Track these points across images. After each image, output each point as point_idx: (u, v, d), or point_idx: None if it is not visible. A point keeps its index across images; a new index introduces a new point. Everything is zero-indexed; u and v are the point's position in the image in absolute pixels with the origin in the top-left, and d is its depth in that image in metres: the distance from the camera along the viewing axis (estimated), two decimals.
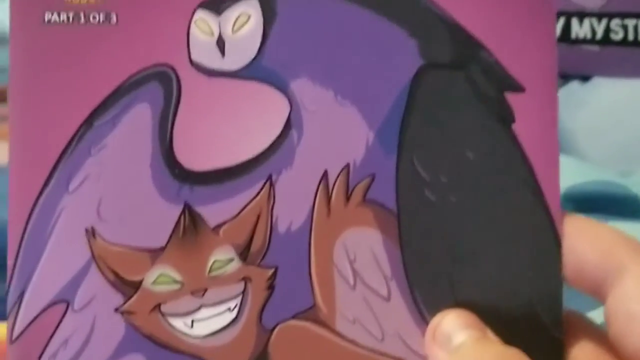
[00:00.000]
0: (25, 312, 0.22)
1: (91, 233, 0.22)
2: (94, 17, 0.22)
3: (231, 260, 0.22)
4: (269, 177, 0.22)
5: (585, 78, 0.56)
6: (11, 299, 0.22)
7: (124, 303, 0.22)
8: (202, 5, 0.22)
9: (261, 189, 0.22)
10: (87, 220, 0.22)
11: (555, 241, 0.22)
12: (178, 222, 0.22)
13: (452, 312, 0.22)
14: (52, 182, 0.22)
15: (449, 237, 0.22)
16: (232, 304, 0.22)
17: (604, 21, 0.53)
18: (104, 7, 0.22)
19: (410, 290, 0.22)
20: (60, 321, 0.22)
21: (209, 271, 0.22)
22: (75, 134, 0.22)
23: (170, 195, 0.22)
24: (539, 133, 0.22)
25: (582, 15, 0.54)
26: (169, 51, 0.22)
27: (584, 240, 0.22)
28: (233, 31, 0.22)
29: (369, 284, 0.22)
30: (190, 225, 0.22)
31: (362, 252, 0.22)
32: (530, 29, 0.22)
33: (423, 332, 0.22)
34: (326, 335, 0.22)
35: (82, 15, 0.22)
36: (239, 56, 0.22)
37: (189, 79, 0.22)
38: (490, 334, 0.22)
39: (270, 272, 0.22)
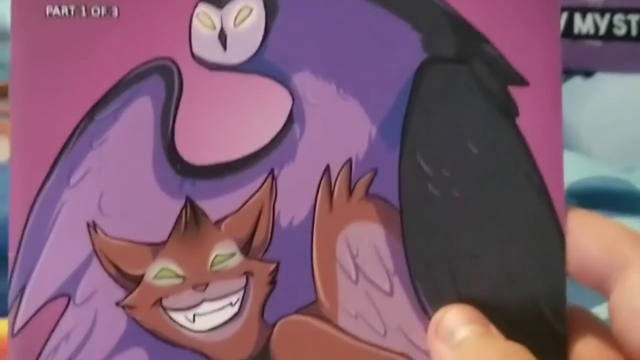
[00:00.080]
0: (27, 306, 0.21)
1: (92, 227, 0.21)
2: (96, 11, 0.21)
3: (233, 254, 0.22)
4: (271, 172, 0.22)
5: (588, 73, 0.56)
6: (12, 293, 0.21)
7: (126, 297, 0.21)
8: None
9: (263, 183, 0.22)
10: (89, 214, 0.21)
11: (559, 236, 0.22)
12: (180, 217, 0.21)
13: (454, 307, 0.22)
14: (53, 176, 0.21)
15: (451, 232, 0.22)
16: (233, 299, 0.22)
17: (607, 16, 0.53)
18: (105, 0, 0.21)
19: (413, 285, 0.22)
20: (62, 315, 0.21)
21: (211, 265, 0.22)
22: (76, 128, 0.21)
23: (172, 190, 0.21)
24: (543, 127, 0.22)
25: (584, 11, 0.53)
26: (171, 45, 0.21)
27: (588, 235, 0.22)
28: (235, 25, 0.22)
29: (372, 279, 0.22)
30: (191, 220, 0.21)
31: (365, 247, 0.22)
32: (534, 23, 0.22)
33: (425, 327, 0.22)
34: (328, 330, 0.22)
35: (83, 8, 0.21)
36: (240, 50, 0.22)
37: (191, 73, 0.21)
38: (493, 330, 0.21)
39: (272, 266, 0.22)
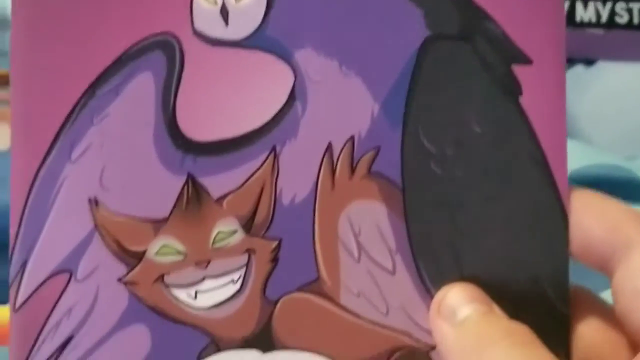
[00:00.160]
0: (28, 281, 0.21)
1: (94, 203, 0.21)
2: None
3: (235, 231, 0.21)
4: (273, 149, 0.21)
5: (589, 62, 0.55)
6: (14, 268, 0.21)
7: (127, 273, 0.21)
8: None
9: (265, 160, 0.21)
10: (90, 189, 0.21)
11: (562, 216, 0.21)
12: (181, 193, 0.21)
13: (457, 286, 0.21)
14: (55, 151, 0.21)
15: (454, 211, 0.21)
16: (235, 276, 0.21)
17: (609, 4, 0.52)
18: None
19: (415, 264, 0.21)
20: (63, 291, 0.21)
21: (213, 242, 0.21)
22: (77, 103, 0.21)
23: (174, 166, 0.21)
24: (546, 106, 0.21)
25: None
26: (172, 20, 0.21)
27: (591, 215, 0.21)
28: (237, 0, 0.21)
29: (374, 258, 0.21)
30: (193, 196, 0.21)
31: (367, 225, 0.21)
32: (538, 1, 0.21)
33: (428, 306, 0.21)
34: (330, 308, 0.21)
35: None
36: (242, 25, 0.21)
37: (192, 48, 0.21)
38: (496, 309, 0.21)
39: (274, 244, 0.21)
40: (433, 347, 0.21)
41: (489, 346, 0.20)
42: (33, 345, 0.21)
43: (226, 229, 0.21)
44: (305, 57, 0.21)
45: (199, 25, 0.21)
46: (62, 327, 0.21)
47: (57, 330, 0.21)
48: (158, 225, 0.21)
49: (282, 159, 0.21)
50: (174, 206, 0.21)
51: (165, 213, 0.21)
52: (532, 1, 0.21)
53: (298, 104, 0.21)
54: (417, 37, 0.21)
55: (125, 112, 0.21)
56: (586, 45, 0.54)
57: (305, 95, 0.21)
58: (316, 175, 0.21)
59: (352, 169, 0.21)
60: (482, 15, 0.21)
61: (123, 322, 0.21)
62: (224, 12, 0.21)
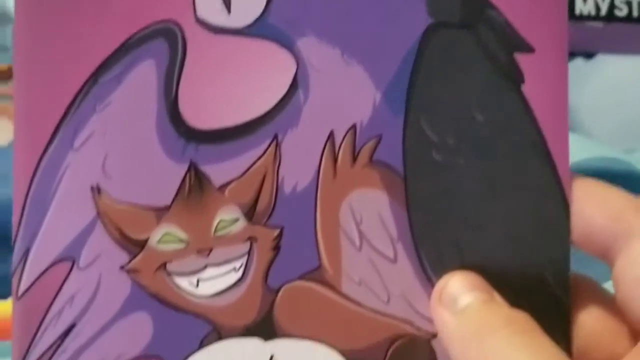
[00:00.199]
0: (31, 269, 0.21)
1: (96, 190, 0.21)
2: None
3: (236, 220, 0.21)
4: (275, 137, 0.21)
5: (589, 55, 0.55)
6: (16, 256, 0.21)
7: (130, 261, 0.21)
8: None
9: (267, 148, 0.21)
10: (93, 177, 0.21)
11: (563, 204, 0.21)
12: (183, 181, 0.21)
13: (458, 274, 0.21)
14: (57, 139, 0.21)
15: (456, 199, 0.21)
16: (237, 264, 0.21)
17: None
18: None
19: (417, 252, 0.21)
20: (66, 279, 0.21)
21: (215, 231, 0.21)
22: (80, 91, 0.21)
23: (176, 154, 0.21)
24: (548, 95, 0.21)
25: None
26: (174, 7, 0.21)
27: (592, 203, 0.21)
28: None
29: (375, 246, 0.21)
30: (195, 184, 0.21)
31: (369, 213, 0.21)
32: None
33: (429, 294, 0.21)
34: (332, 297, 0.21)
35: None
36: (245, 13, 0.21)
37: (195, 36, 0.21)
38: (496, 297, 0.21)
39: (276, 232, 0.21)
40: (434, 335, 0.21)
41: (489, 334, 0.20)
42: (35, 333, 0.21)
43: (228, 217, 0.21)
44: (308, 45, 0.21)
45: (202, 13, 0.21)
46: (65, 315, 0.21)
47: (59, 318, 0.21)
48: (160, 213, 0.21)
49: (284, 147, 0.21)
50: (176, 194, 0.21)
51: (168, 201, 0.21)
52: None
53: (300, 92, 0.21)
54: (419, 25, 0.21)
55: (127, 100, 0.21)
56: (586, 38, 0.54)
57: (308, 84, 0.21)
58: (318, 164, 0.21)
59: (354, 158, 0.21)
60: (484, 3, 0.21)
61: (125, 310, 0.21)
62: (227, 0, 0.21)
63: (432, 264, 0.21)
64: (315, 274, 0.21)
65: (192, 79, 0.21)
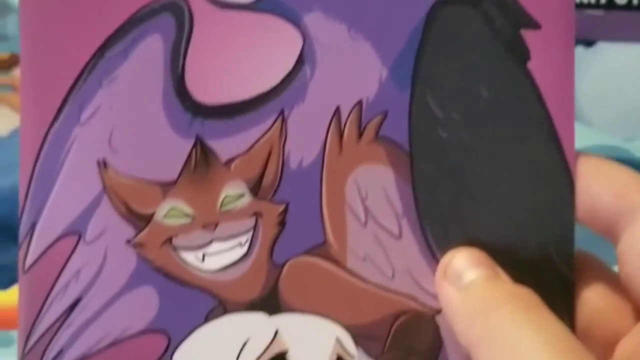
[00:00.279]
0: (37, 243, 0.20)
1: (102, 165, 0.21)
2: None
3: (242, 195, 0.21)
4: (281, 112, 0.21)
5: (589, 43, 0.55)
6: (23, 230, 0.21)
7: (136, 236, 0.21)
8: None
9: (273, 123, 0.21)
10: (99, 151, 0.20)
11: (568, 181, 0.21)
12: (189, 156, 0.21)
13: (463, 250, 0.21)
14: (64, 113, 0.20)
15: (461, 176, 0.21)
16: (242, 239, 0.21)
17: None
18: None
19: (422, 228, 0.21)
20: (72, 253, 0.21)
21: (220, 206, 0.21)
22: (86, 65, 0.20)
23: (182, 129, 0.20)
24: (554, 71, 0.21)
25: None
26: None
27: (598, 180, 0.21)
28: None
29: (380, 222, 0.21)
30: (201, 159, 0.21)
31: (374, 189, 0.21)
32: None
33: (433, 270, 0.21)
34: (337, 272, 0.21)
35: None
36: None
37: (201, 11, 0.20)
38: (501, 273, 0.21)
39: (282, 207, 0.21)
40: (438, 311, 0.21)
41: (494, 310, 0.19)
42: (41, 307, 0.21)
43: (233, 193, 0.21)
44: (314, 20, 0.21)
45: None
46: (71, 288, 0.21)
47: (65, 291, 0.21)
48: (166, 187, 0.21)
49: (290, 123, 0.21)
50: (182, 169, 0.21)
51: (174, 176, 0.21)
52: None
53: (307, 68, 0.21)
54: (426, 1, 0.21)
55: (134, 75, 0.20)
56: (586, 26, 0.53)
57: (314, 59, 0.21)
58: (324, 139, 0.21)
59: (360, 133, 0.21)
60: None
61: (131, 284, 0.21)
62: None
63: (436, 240, 0.21)
64: (320, 249, 0.21)
65: (198, 54, 0.20)
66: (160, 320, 0.21)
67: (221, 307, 0.21)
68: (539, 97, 0.21)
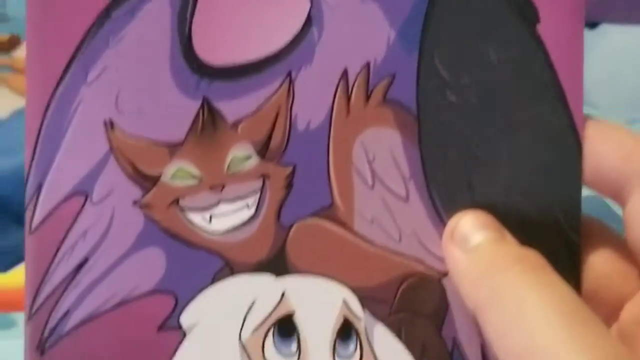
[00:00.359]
0: (44, 203, 0.20)
1: (109, 125, 0.20)
2: None
3: (249, 157, 0.20)
4: (289, 74, 0.20)
5: (592, 25, 0.54)
6: (29, 190, 0.20)
7: (143, 196, 0.20)
8: None
9: (280, 85, 0.20)
10: (106, 112, 0.20)
11: (576, 144, 0.21)
12: (197, 117, 0.20)
13: (470, 213, 0.21)
14: (70, 73, 0.20)
15: (468, 139, 0.21)
16: (250, 201, 0.21)
17: None
18: None
19: (429, 191, 0.21)
20: (79, 213, 0.20)
21: (227, 167, 0.20)
22: (93, 25, 0.20)
23: (189, 90, 0.20)
24: (563, 35, 0.21)
25: None
26: None
27: (605, 144, 0.21)
28: None
29: (388, 184, 0.21)
30: (208, 121, 0.20)
31: (381, 152, 0.21)
32: None
33: (440, 233, 0.21)
34: (344, 234, 0.21)
35: None
36: None
37: None
38: (507, 236, 0.20)
39: (289, 170, 0.21)
40: (445, 274, 0.21)
41: (500, 272, 0.19)
42: (48, 267, 0.20)
43: (241, 154, 0.20)
44: None
45: None
46: (78, 249, 0.20)
47: (72, 252, 0.20)
48: (173, 149, 0.20)
49: (298, 85, 0.20)
50: (189, 130, 0.20)
51: (181, 137, 0.20)
52: None
53: (314, 30, 0.20)
54: None
55: (140, 35, 0.20)
56: (589, 7, 0.53)
57: (322, 21, 0.20)
58: (331, 102, 0.20)
59: (368, 96, 0.21)
60: None
61: (138, 244, 0.20)
62: None
63: (443, 203, 0.21)
64: (327, 211, 0.21)
65: (205, 15, 0.20)
66: (167, 281, 0.20)
67: (228, 268, 0.21)
68: (548, 60, 0.21)
